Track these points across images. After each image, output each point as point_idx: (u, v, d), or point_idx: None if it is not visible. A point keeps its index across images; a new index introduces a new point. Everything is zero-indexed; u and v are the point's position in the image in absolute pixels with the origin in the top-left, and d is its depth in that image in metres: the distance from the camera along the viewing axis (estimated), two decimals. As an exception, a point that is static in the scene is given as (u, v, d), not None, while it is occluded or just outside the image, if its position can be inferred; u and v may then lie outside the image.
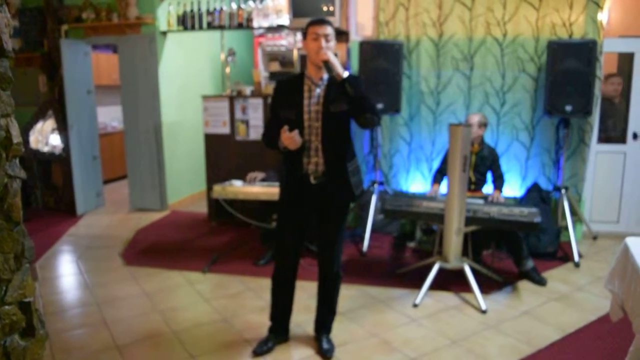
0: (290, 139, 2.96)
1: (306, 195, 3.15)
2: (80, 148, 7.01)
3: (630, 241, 2.81)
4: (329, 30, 2.99)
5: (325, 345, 3.38)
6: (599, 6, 5.22)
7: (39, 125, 7.05)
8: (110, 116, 9.75)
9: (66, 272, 4.94)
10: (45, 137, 7.03)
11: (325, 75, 3.09)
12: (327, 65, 2.93)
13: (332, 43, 3.02)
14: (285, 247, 3.31)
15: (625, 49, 5.67)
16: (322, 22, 3.03)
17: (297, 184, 3.15)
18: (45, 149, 7.06)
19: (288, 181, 3.20)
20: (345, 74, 2.94)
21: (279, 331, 3.48)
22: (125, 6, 6.62)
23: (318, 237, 3.34)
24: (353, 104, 2.99)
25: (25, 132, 7.03)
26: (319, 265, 3.38)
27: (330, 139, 3.08)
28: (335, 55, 5.68)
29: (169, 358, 3.37)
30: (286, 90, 3.17)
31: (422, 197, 4.80)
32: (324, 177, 3.11)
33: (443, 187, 5.16)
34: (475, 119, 4.89)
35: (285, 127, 2.97)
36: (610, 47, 5.54)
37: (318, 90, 3.09)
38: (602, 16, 5.24)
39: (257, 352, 3.34)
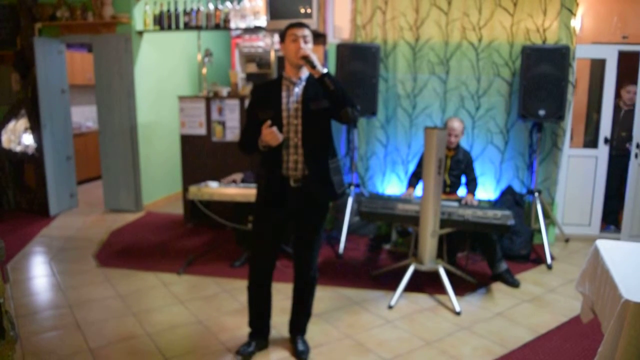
0: (271, 134, 2.94)
1: (286, 197, 3.14)
2: (54, 148, 6.91)
3: (600, 244, 2.86)
4: (307, 32, 3.06)
5: (300, 347, 3.39)
6: (572, 13, 5.31)
7: (12, 125, 6.93)
8: (84, 116, 9.63)
9: (38, 273, 4.86)
10: (18, 136, 6.92)
11: (304, 75, 3.12)
12: (307, 60, 2.96)
13: (310, 45, 3.07)
14: (263, 253, 3.28)
15: (597, 55, 5.78)
16: (301, 24, 3.08)
17: (277, 186, 3.13)
18: (18, 149, 6.95)
19: (268, 183, 3.17)
20: (325, 70, 2.98)
21: (259, 337, 3.45)
22: (100, 5, 6.54)
23: (295, 240, 3.33)
24: (333, 98, 3.00)
25: (-3, 131, 6.93)
26: (295, 268, 3.37)
27: (309, 136, 3.08)
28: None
29: (142, 360, 3.34)
30: (263, 93, 3.17)
31: (397, 199, 4.83)
32: (304, 181, 3.10)
33: (418, 190, 5.20)
34: (459, 128, 4.93)
35: (268, 122, 2.96)
36: (583, 53, 5.65)
37: (297, 89, 3.10)
38: (575, 23, 5.35)
39: (241, 352, 3.32)
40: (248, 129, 3.19)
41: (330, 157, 3.20)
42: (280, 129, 3.04)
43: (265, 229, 3.24)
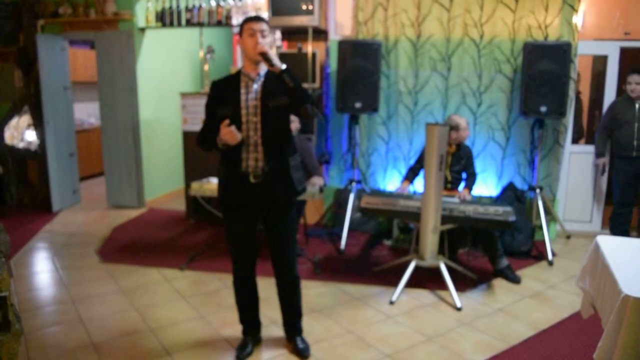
0: (230, 133, 2.89)
1: (248, 194, 3.08)
2: (57, 144, 6.94)
3: (601, 240, 2.87)
4: (264, 26, 2.98)
5: (300, 345, 3.38)
6: (574, 9, 5.31)
7: (14, 121, 6.94)
8: (87, 112, 9.65)
9: (42, 269, 4.89)
10: (21, 133, 6.94)
11: (262, 71, 3.06)
12: (265, 57, 2.89)
13: (268, 39, 2.99)
14: (239, 251, 3.24)
15: (599, 52, 5.78)
16: (258, 18, 3.00)
17: (237, 184, 3.08)
18: (21, 145, 6.96)
19: (227, 181, 3.12)
20: (283, 66, 2.91)
21: (252, 330, 3.45)
22: (102, 2, 6.55)
23: (268, 242, 3.26)
24: (293, 95, 2.95)
25: (0, 128, 6.94)
26: (275, 271, 3.31)
27: (269, 134, 3.03)
28: (314, 58, 5.69)
29: (145, 355, 3.36)
30: (222, 89, 3.11)
31: (399, 195, 4.83)
32: (264, 177, 3.05)
33: (417, 185, 5.21)
34: (464, 120, 4.93)
35: (226, 122, 2.90)
36: (585, 49, 5.65)
37: (255, 86, 3.04)
38: (577, 19, 5.35)
39: (240, 358, 3.31)
40: (206, 125, 3.14)
41: (290, 154, 3.14)
42: (240, 127, 2.98)
43: (235, 228, 3.20)
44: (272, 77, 2.99)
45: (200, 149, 3.21)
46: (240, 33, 3.02)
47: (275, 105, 3.01)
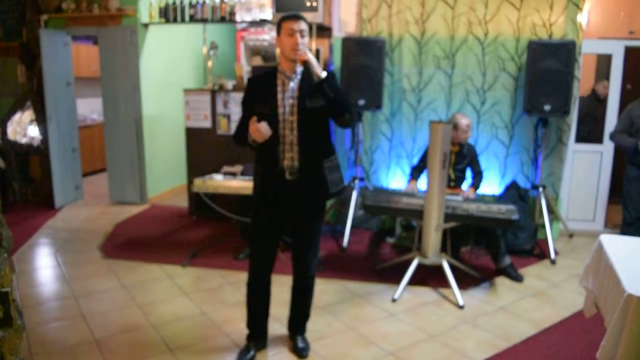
0: (256, 130, 2.87)
1: (281, 193, 3.07)
2: (60, 140, 6.94)
3: (604, 239, 2.86)
4: (303, 25, 2.92)
5: (300, 344, 3.37)
6: (578, 8, 5.29)
7: (17, 116, 6.94)
8: (90, 108, 9.65)
9: (44, 264, 4.89)
10: (24, 128, 6.94)
11: (299, 69, 3.03)
12: (307, 65, 2.86)
13: (307, 39, 2.95)
14: (262, 250, 3.22)
15: (604, 51, 5.77)
16: (298, 17, 2.94)
17: (272, 182, 3.06)
18: (24, 141, 6.96)
19: (263, 179, 3.11)
20: (324, 74, 2.88)
21: (258, 338, 3.39)
22: (106, -3, 6.56)
23: (293, 239, 3.27)
24: (332, 105, 2.94)
25: (2, 123, 6.94)
26: (293, 269, 3.31)
27: (305, 134, 3.00)
28: (317, 55, 5.69)
29: (147, 351, 3.36)
30: (259, 87, 3.08)
31: (402, 193, 4.82)
32: (298, 175, 3.03)
33: (421, 183, 5.21)
34: (465, 122, 4.90)
35: (254, 118, 2.88)
36: (589, 48, 5.63)
37: (292, 84, 3.01)
38: (582, 18, 5.33)
39: None
40: (243, 123, 3.10)
41: (326, 155, 3.12)
42: (277, 126, 2.96)
43: (263, 227, 3.17)
44: (310, 75, 2.94)
45: (236, 144, 3.20)
46: (278, 32, 2.96)
47: (313, 106, 2.98)
